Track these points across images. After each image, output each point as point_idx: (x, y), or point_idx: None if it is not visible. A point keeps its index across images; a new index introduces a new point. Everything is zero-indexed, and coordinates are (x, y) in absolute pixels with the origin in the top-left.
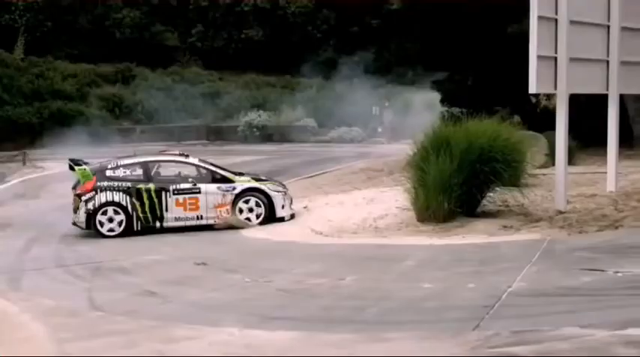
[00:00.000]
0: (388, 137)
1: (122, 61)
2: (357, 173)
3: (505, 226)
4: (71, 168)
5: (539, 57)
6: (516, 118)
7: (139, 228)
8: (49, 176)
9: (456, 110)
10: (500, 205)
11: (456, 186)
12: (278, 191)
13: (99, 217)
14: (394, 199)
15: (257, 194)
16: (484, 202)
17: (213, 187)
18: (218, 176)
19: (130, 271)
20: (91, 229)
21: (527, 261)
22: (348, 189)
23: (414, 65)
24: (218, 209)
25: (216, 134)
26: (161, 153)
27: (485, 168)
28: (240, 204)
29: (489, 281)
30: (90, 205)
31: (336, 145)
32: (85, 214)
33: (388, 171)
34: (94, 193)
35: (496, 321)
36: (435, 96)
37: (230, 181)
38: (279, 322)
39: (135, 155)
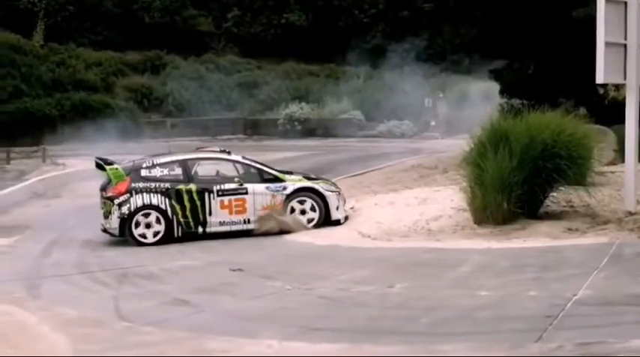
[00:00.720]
0: (442, 131)
1: (151, 49)
2: (409, 171)
3: (570, 229)
4: (100, 167)
5: (607, 44)
6: (582, 111)
7: (180, 234)
8: (70, 174)
9: (516, 102)
10: (564, 206)
11: (516, 185)
12: (332, 191)
13: (135, 225)
14: (449, 199)
15: (310, 195)
16: (547, 202)
17: (261, 187)
18: (266, 175)
19: (159, 277)
20: (124, 236)
21: (593, 267)
22: (399, 188)
23: (470, 52)
24: (267, 211)
25: (254, 128)
26: (199, 150)
27: (548, 165)
28: (293, 205)
29: (552, 289)
30: (124, 209)
31: (384, 140)
32: (118, 220)
33: (442, 168)
34: (128, 195)
35: (560, 332)
36: (494, 86)
37: (279, 180)
38: (321, 333)
39: (171, 152)
